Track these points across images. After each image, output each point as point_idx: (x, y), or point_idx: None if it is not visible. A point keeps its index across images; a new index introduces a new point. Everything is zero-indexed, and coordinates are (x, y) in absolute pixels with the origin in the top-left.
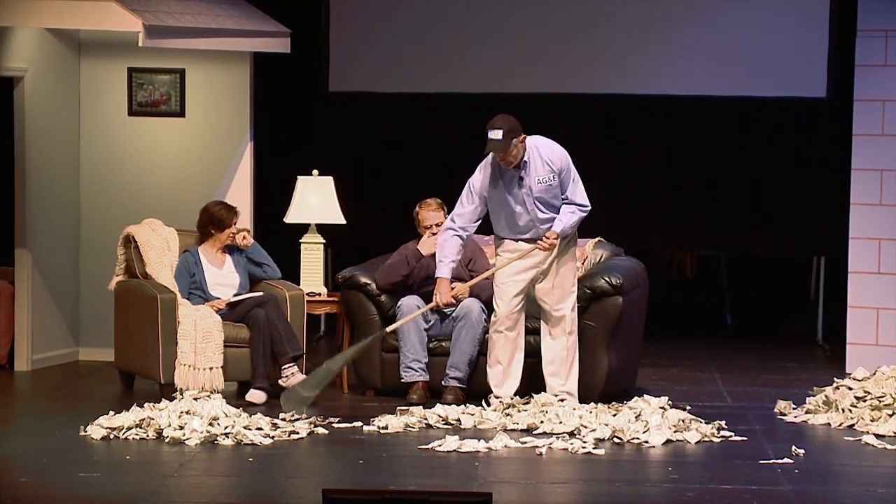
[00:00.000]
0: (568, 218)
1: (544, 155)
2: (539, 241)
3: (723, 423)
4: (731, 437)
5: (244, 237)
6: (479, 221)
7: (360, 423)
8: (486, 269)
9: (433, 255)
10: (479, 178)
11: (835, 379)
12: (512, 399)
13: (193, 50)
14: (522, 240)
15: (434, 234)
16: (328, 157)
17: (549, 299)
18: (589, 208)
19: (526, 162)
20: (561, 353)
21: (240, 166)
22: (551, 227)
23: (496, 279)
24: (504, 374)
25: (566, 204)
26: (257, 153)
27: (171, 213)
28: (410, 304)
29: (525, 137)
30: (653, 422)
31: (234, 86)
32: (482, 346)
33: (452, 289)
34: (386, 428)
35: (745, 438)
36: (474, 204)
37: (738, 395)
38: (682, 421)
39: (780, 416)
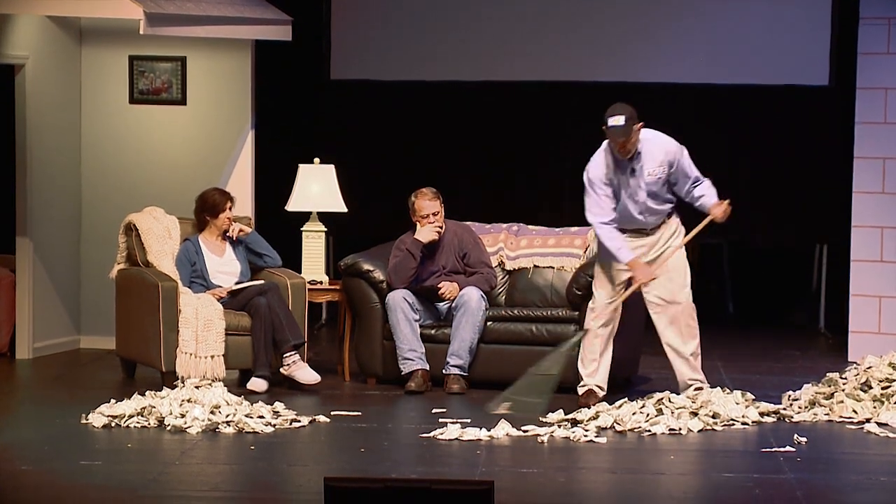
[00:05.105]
0: (711, 190)
1: (657, 146)
2: (714, 212)
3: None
4: (732, 425)
5: (240, 230)
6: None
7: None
8: (479, 264)
9: (433, 243)
10: (596, 167)
11: (837, 367)
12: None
13: (195, 38)
14: (629, 231)
15: (431, 223)
16: (330, 144)
17: (663, 292)
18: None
19: (639, 153)
20: (685, 348)
21: (241, 154)
22: (662, 218)
23: (597, 268)
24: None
25: (696, 186)
26: (259, 141)
27: (173, 200)
28: (397, 298)
29: (642, 125)
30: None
31: (235, 73)
32: (482, 333)
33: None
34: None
35: (746, 426)
36: (603, 191)
37: (741, 384)
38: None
39: (782, 405)
